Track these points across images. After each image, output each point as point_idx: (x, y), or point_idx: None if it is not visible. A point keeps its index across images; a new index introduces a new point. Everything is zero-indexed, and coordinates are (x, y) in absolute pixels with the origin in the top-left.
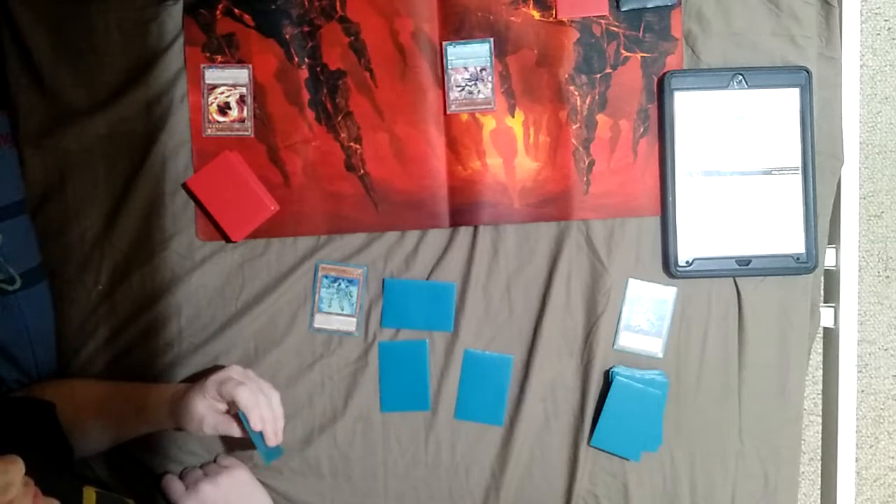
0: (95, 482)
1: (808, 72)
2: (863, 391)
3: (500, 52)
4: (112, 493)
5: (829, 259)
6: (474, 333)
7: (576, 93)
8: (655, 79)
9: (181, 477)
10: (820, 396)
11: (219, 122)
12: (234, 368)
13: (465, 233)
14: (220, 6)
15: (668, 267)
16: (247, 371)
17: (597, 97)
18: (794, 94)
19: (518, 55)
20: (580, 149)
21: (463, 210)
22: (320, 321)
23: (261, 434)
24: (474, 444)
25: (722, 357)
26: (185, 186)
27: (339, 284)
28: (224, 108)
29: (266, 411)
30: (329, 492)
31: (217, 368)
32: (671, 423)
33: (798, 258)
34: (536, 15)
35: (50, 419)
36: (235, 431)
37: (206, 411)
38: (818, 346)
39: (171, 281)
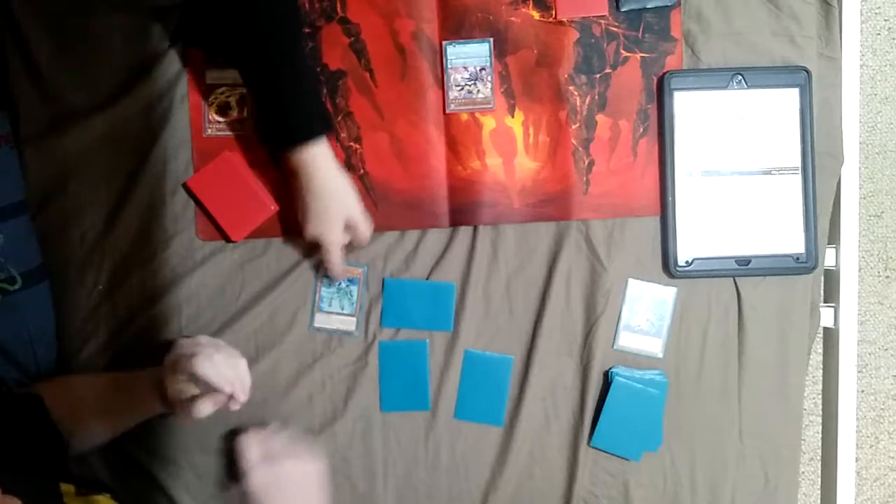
0: (93, 483)
1: (807, 72)
2: (863, 391)
3: (499, 52)
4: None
5: (829, 259)
6: (474, 333)
7: (575, 93)
8: (655, 79)
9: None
10: (820, 396)
11: (219, 122)
12: (182, 344)
13: (464, 233)
14: None
15: (668, 267)
16: (196, 338)
17: (596, 97)
18: (793, 94)
19: (518, 55)
20: (580, 149)
21: (463, 210)
22: (320, 321)
23: None
24: (474, 444)
25: (722, 357)
26: (185, 186)
27: (340, 284)
28: (224, 108)
29: (227, 371)
30: (328, 491)
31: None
32: (671, 423)
33: (798, 258)
34: (536, 15)
35: (38, 412)
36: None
37: (183, 387)
38: (818, 346)
39: (171, 281)
